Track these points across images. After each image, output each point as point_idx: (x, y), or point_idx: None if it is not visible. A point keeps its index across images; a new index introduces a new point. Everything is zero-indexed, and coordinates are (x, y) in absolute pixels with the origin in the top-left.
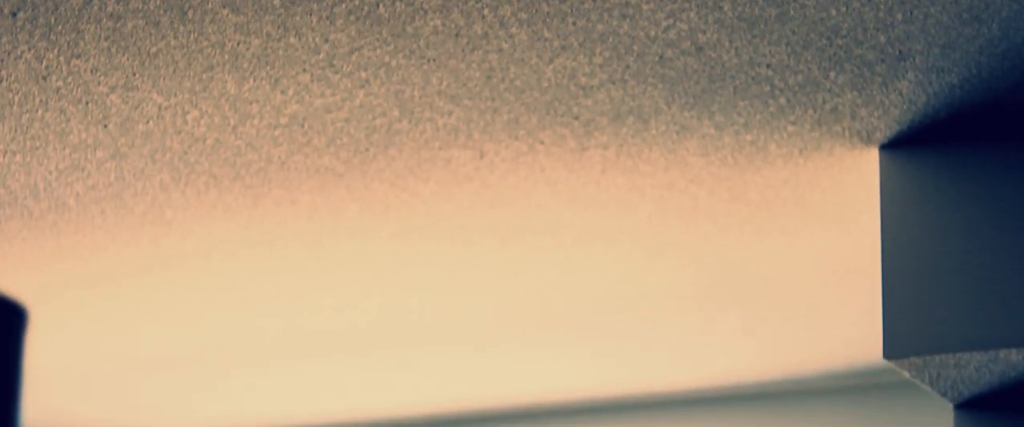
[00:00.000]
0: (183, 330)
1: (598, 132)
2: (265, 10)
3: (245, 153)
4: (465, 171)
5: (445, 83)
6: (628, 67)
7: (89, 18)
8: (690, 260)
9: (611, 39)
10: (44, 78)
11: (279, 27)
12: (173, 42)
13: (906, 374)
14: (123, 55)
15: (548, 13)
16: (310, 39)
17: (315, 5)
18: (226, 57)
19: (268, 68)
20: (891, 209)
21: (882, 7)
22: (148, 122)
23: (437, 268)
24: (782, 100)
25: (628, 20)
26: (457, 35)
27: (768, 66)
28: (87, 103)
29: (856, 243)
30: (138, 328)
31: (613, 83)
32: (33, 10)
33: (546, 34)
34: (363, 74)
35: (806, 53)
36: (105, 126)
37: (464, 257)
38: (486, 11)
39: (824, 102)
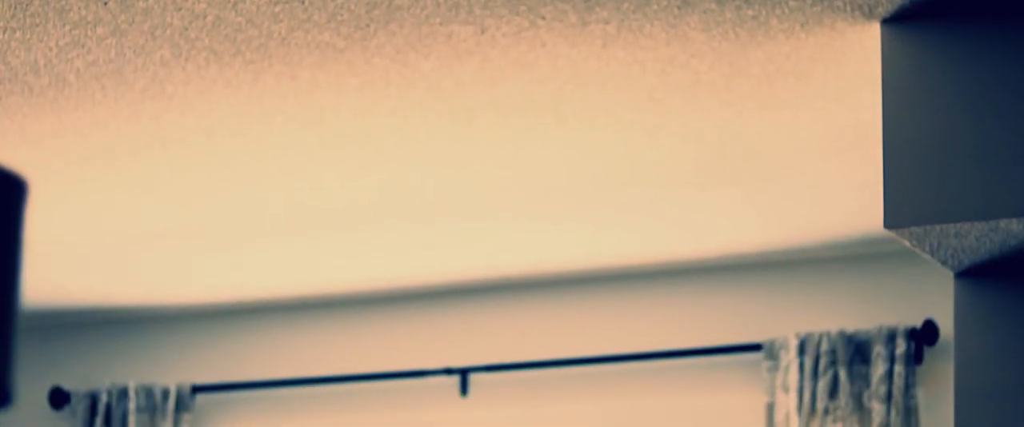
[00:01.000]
0: (184, 205)
1: (599, 7)
2: None
3: (246, 29)
4: (466, 46)
5: None
6: None
7: None
8: (692, 134)
9: None
10: None
11: None
12: None
13: (907, 243)
14: None
15: None
16: None
17: None
18: None
19: None
20: (892, 82)
21: None
22: None
23: (438, 143)
24: None
25: None
26: None
27: None
28: None
29: (857, 116)
30: (139, 203)
31: None
32: None
33: None
34: None
35: None
36: (105, 3)
37: (465, 132)
38: None
39: None
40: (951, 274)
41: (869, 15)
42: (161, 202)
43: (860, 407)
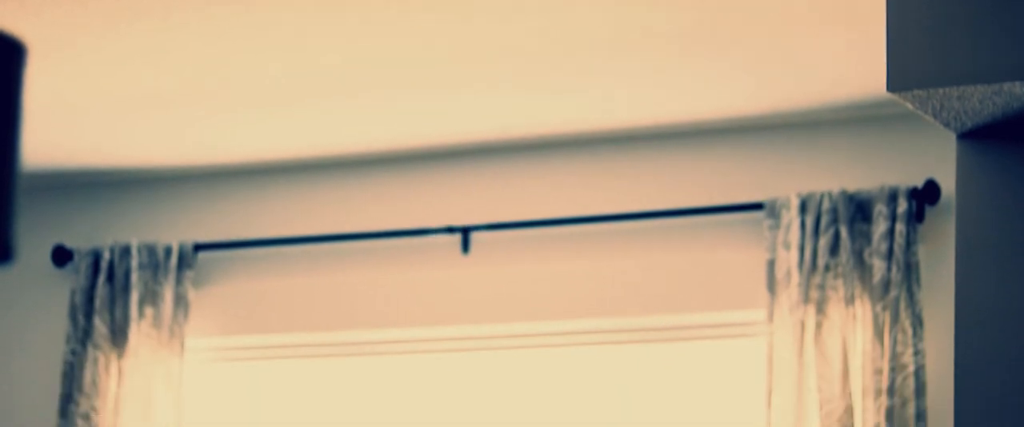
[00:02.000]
0: (185, 69)
1: None
2: None
3: None
4: None
5: None
6: None
7: None
8: None
9: None
10: None
11: None
12: None
13: (909, 106)
14: None
15: None
16: None
17: None
18: None
19: None
20: None
21: None
22: None
23: (438, 4)
24: None
25: None
26: None
27: None
28: None
29: None
30: (140, 67)
31: None
32: None
33: None
34: None
35: None
36: None
37: None
38: None
39: None
40: (953, 136)
41: None
42: (162, 66)
43: (861, 264)
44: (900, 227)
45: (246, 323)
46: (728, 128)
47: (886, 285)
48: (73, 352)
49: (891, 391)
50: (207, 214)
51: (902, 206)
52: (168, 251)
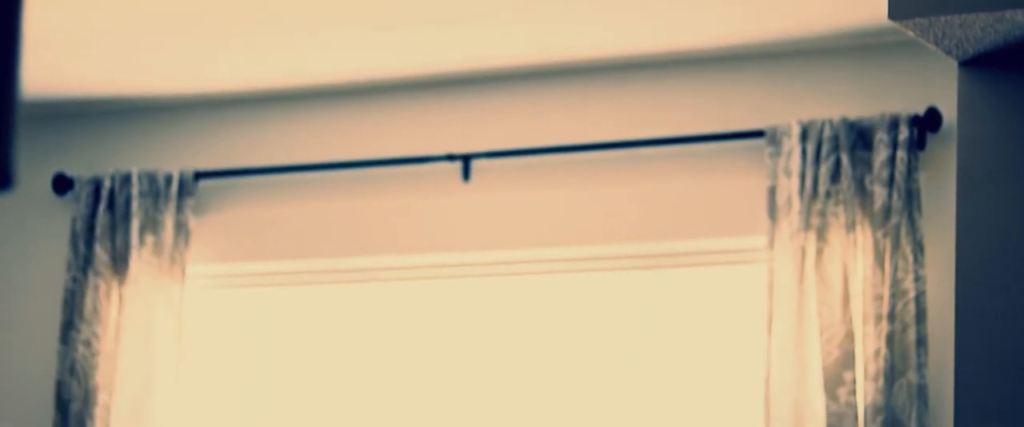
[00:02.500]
0: None
1: None
2: None
3: None
4: None
5: None
6: None
7: None
8: None
9: None
10: None
11: None
12: None
13: (911, 34)
14: None
15: None
16: None
17: None
18: None
19: None
20: None
21: None
22: None
23: None
24: None
25: None
26: None
27: None
28: None
29: None
30: None
31: None
32: None
33: None
34: None
35: None
36: None
37: None
38: None
39: None
40: (955, 63)
41: None
42: None
43: (862, 190)
44: (901, 154)
45: (247, 250)
46: (729, 56)
47: (887, 212)
48: (74, 280)
49: (892, 317)
50: (208, 142)
51: (903, 133)
52: (169, 179)
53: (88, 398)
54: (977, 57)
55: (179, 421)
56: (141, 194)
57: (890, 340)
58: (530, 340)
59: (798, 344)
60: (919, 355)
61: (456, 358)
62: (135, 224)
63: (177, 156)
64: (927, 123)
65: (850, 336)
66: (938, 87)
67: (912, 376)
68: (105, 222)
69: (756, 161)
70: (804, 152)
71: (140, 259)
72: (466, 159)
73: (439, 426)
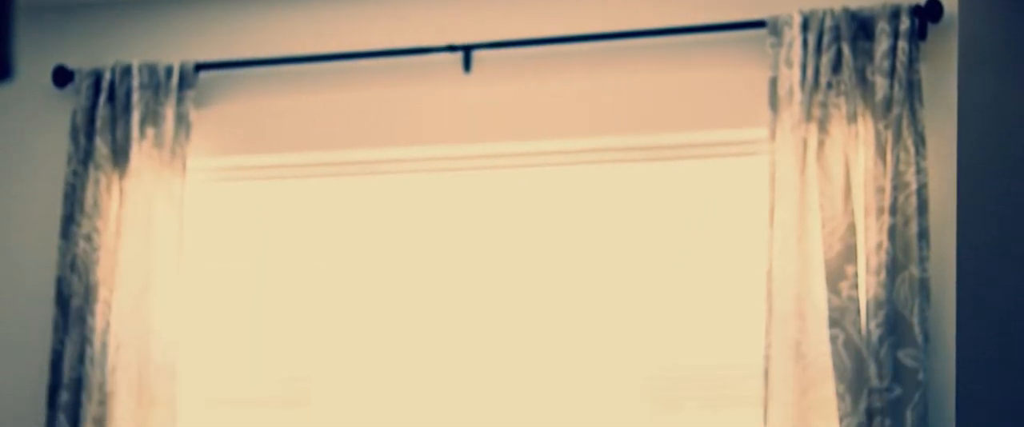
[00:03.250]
0: None
1: None
2: None
3: None
4: None
5: None
6: None
7: None
8: None
9: None
10: None
11: None
12: None
13: None
14: None
15: None
16: None
17: None
18: None
19: None
20: None
21: None
22: None
23: None
24: None
25: None
26: None
27: None
28: None
29: None
30: None
31: None
32: None
33: None
34: None
35: None
36: None
37: None
38: None
39: None
40: None
41: None
42: None
43: (863, 81)
44: (902, 45)
45: (247, 143)
46: None
47: (888, 103)
48: (74, 173)
49: (893, 209)
50: (208, 34)
51: (904, 24)
52: (169, 71)
53: (89, 294)
54: None
55: (180, 316)
56: (142, 86)
57: (892, 233)
58: (531, 232)
59: (800, 237)
60: (921, 248)
61: (457, 251)
62: (135, 117)
63: (178, 48)
64: (928, 13)
65: (852, 229)
66: None
67: (914, 270)
68: (105, 115)
69: (757, 52)
70: (805, 42)
71: (141, 152)
72: (467, 50)
73: (440, 317)
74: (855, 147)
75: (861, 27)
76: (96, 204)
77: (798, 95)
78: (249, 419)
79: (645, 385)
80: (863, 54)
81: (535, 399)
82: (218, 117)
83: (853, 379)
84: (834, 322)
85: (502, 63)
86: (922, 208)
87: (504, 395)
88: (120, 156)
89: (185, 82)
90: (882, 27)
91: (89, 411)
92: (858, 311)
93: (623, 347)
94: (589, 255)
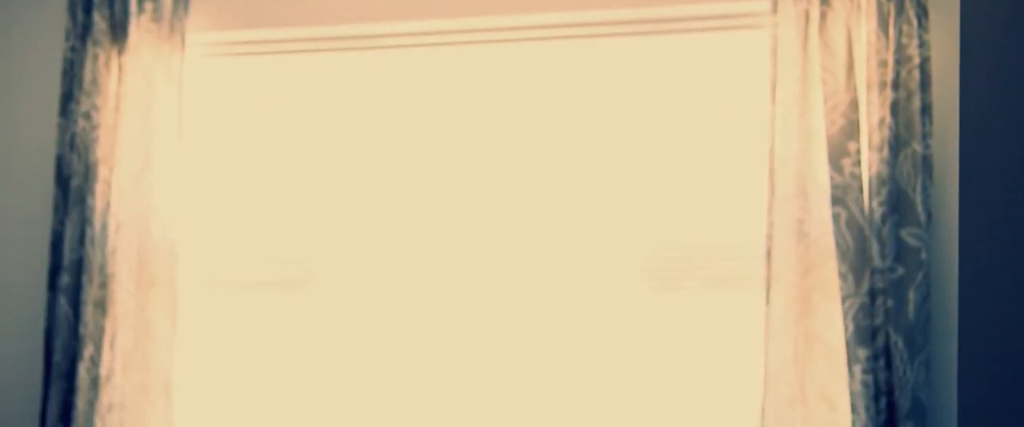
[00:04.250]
0: None
1: None
2: None
3: None
4: None
5: None
6: None
7: None
8: None
9: None
10: None
11: None
12: None
13: None
14: None
15: None
16: None
17: None
18: None
19: None
20: None
21: None
22: None
23: None
24: None
25: None
26: None
27: None
28: None
29: None
30: None
31: None
32: None
33: None
34: None
35: None
36: None
37: None
38: None
39: None
40: None
41: None
42: None
43: None
44: None
45: (246, 17)
46: None
47: None
48: (73, 49)
49: (896, 84)
50: None
51: None
52: None
53: (88, 173)
54: None
55: (180, 196)
56: None
57: (894, 108)
58: (532, 110)
59: (802, 113)
60: (924, 124)
61: (456, 128)
62: None
63: None
64: None
65: (854, 104)
66: None
67: (917, 146)
68: None
69: None
70: None
71: (139, 27)
72: None
73: (440, 195)
74: (857, 20)
75: None
76: (95, 81)
77: None
78: (249, 300)
79: (646, 266)
80: None
81: (536, 280)
82: None
83: (855, 259)
84: (836, 200)
85: None
86: (925, 82)
87: (505, 276)
88: (118, 31)
89: None
90: None
91: (90, 293)
92: (860, 189)
93: (624, 228)
94: (589, 134)
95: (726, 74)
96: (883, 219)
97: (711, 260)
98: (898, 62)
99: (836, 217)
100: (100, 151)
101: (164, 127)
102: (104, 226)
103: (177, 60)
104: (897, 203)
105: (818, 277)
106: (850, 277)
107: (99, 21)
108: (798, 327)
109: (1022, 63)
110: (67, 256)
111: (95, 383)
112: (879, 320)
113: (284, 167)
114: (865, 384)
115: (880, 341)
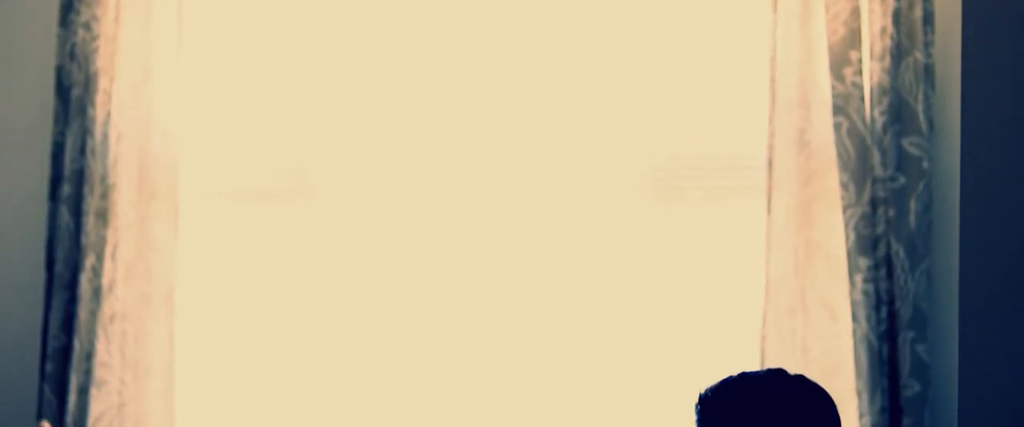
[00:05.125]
0: None
1: None
2: None
3: None
4: None
5: None
6: None
7: None
8: None
9: None
10: None
11: None
12: None
13: None
14: None
15: None
16: None
17: None
18: None
19: None
20: None
21: None
22: None
23: None
24: None
25: None
26: None
27: None
28: None
29: None
30: None
31: None
32: None
33: None
34: None
35: None
36: None
37: None
38: None
39: None
40: None
41: None
42: None
43: None
44: None
45: None
46: None
47: None
48: None
49: None
50: None
51: None
52: None
53: (89, 83)
54: None
55: (181, 106)
56: None
57: (896, 17)
58: (533, 14)
59: (803, 21)
60: (925, 33)
61: (457, 37)
62: None
63: None
64: None
65: (856, 13)
66: None
67: (918, 55)
68: None
69: None
70: None
71: None
72: None
73: (443, 104)
74: None
75: None
76: None
77: None
78: (251, 210)
79: (648, 176)
80: None
81: (538, 192)
82: None
83: (857, 168)
84: (838, 109)
85: None
86: None
87: (506, 187)
88: None
89: None
90: None
91: (91, 204)
92: (862, 98)
93: (625, 138)
94: (590, 43)
95: None
96: (884, 128)
97: (712, 170)
98: None
99: (837, 126)
100: (100, 62)
101: (164, 38)
102: (105, 137)
103: None
104: (899, 112)
105: (819, 187)
106: (851, 186)
107: None
108: (799, 237)
109: None
110: (68, 167)
111: (97, 293)
112: (880, 229)
113: (284, 77)
114: (866, 293)
115: (881, 250)
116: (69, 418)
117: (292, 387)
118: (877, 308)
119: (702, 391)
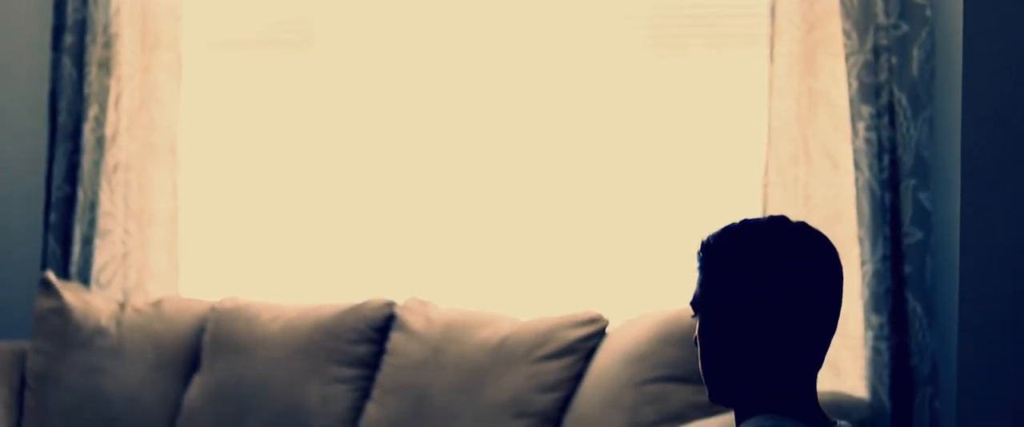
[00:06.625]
0: None
1: None
2: None
3: None
4: None
5: None
6: None
7: None
8: None
9: None
10: None
11: None
12: None
13: None
14: None
15: None
16: None
17: None
18: None
19: None
20: None
21: None
22: None
23: None
24: None
25: None
26: None
27: None
28: None
29: None
30: None
31: None
32: None
33: None
34: None
35: None
36: None
37: None
38: None
39: None
40: None
41: None
42: None
43: None
44: None
45: None
46: None
47: None
48: None
49: None
50: None
51: None
52: None
53: None
54: None
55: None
56: None
57: None
58: None
59: None
60: None
61: None
62: None
63: None
64: None
65: None
66: None
67: None
68: None
69: None
70: None
71: None
72: None
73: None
74: None
75: None
76: None
77: None
78: (253, 61)
79: (649, 25)
80: None
81: (538, 40)
82: None
83: (859, 15)
84: None
85: None
86: None
87: (507, 34)
88: None
89: None
90: None
91: (94, 53)
92: None
93: None
94: None
95: None
96: None
97: (715, 17)
98: None
99: None
100: None
101: None
102: None
103: None
104: None
105: (822, 34)
106: (854, 34)
107: None
108: (802, 84)
109: None
110: (70, 16)
111: (100, 143)
112: (883, 77)
113: None
114: (868, 141)
115: (884, 98)
116: (73, 268)
117: (293, 236)
118: (879, 156)
119: (704, 238)
